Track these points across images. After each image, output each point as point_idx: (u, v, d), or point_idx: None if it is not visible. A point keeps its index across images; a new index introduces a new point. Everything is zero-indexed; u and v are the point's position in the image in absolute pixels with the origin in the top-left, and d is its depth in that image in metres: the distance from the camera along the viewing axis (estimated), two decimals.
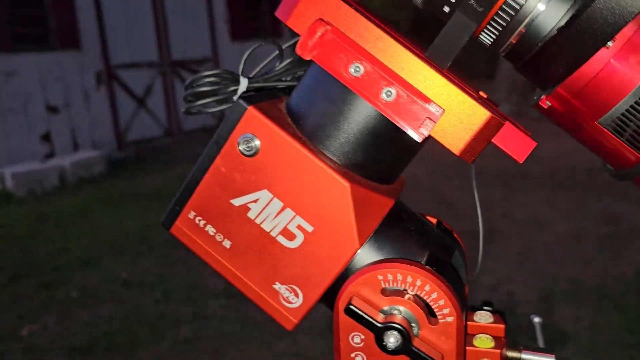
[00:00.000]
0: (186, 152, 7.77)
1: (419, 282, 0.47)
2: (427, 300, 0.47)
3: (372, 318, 0.46)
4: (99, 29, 7.01)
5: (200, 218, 0.51)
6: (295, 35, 0.55)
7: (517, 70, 0.47)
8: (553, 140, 3.92)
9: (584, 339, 2.73)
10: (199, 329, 2.98)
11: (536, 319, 0.60)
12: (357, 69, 0.44)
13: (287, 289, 0.50)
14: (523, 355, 0.53)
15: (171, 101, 8.27)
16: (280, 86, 0.60)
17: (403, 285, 0.47)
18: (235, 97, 0.57)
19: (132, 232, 4.53)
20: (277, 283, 0.50)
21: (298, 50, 0.45)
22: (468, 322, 0.55)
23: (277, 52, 0.61)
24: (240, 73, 0.59)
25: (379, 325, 0.46)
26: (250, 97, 0.50)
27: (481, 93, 0.53)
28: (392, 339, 0.46)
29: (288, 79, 0.61)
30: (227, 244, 0.51)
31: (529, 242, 3.96)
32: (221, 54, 8.79)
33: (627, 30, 0.40)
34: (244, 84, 0.57)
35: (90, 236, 4.51)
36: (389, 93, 0.44)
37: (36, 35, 6.55)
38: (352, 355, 0.49)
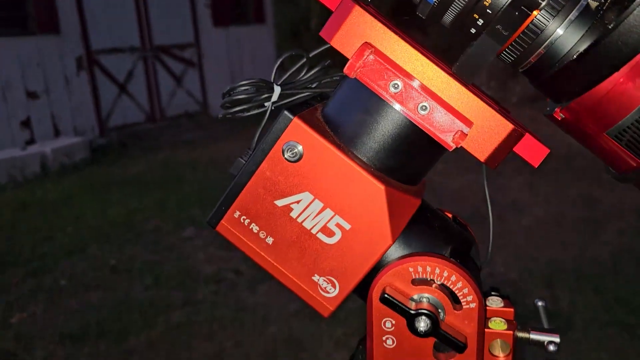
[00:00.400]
0: (169, 137, 7.72)
1: (445, 273, 0.53)
2: (452, 289, 0.53)
3: (405, 305, 0.52)
4: (78, 13, 6.88)
5: (245, 217, 0.56)
6: (321, 42, 0.60)
7: (533, 85, 0.53)
8: (532, 126, 4.00)
9: (563, 318, 2.85)
10: (191, 314, 3.02)
11: (540, 303, 0.66)
12: (396, 86, 0.50)
13: (325, 280, 0.55)
14: (532, 335, 0.59)
15: (153, 87, 8.19)
16: (308, 93, 0.65)
17: (431, 276, 0.53)
18: (267, 104, 0.62)
19: (117, 219, 4.52)
20: (316, 275, 0.55)
21: (346, 71, 0.50)
22: None
23: (303, 59, 0.66)
24: (272, 80, 0.63)
25: (412, 311, 0.52)
26: (292, 107, 0.55)
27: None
28: (422, 324, 0.52)
29: (313, 85, 0.66)
30: (269, 240, 0.56)
31: (510, 226, 4.08)
32: (203, 40, 8.72)
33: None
34: (277, 91, 0.62)
35: (74, 224, 4.49)
36: (424, 107, 0.50)
37: (14, 19, 6.41)
38: (384, 338, 0.55)
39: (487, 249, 0.67)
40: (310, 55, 0.67)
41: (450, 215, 0.65)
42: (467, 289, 0.52)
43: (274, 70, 0.64)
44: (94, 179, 5.75)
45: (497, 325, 0.58)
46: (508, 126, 0.50)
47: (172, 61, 8.41)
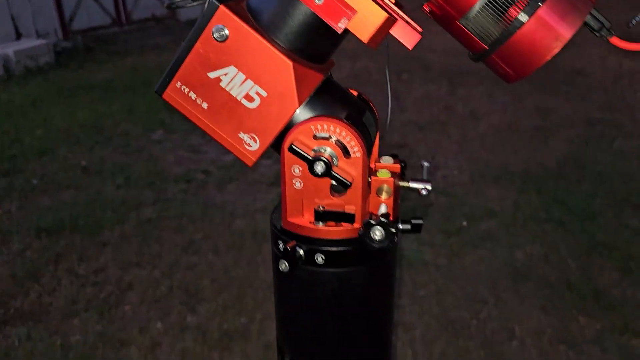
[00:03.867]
0: (136, 42, 7.55)
1: (338, 130, 0.69)
2: (345, 143, 0.70)
3: (307, 154, 0.68)
4: None
5: (184, 87, 0.70)
6: None
7: None
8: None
9: (506, 215, 3.12)
10: (161, 210, 3.20)
11: (425, 164, 0.83)
12: None
13: (248, 137, 0.71)
14: (410, 184, 0.77)
15: None
16: None
17: (328, 133, 0.69)
18: None
19: (86, 123, 4.57)
20: (241, 132, 0.71)
21: None
22: (376, 164, 0.79)
23: None
24: None
25: (311, 158, 0.68)
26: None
27: None
28: (319, 167, 0.68)
29: None
30: (205, 105, 0.71)
31: (467, 133, 4.29)
32: None
33: None
34: None
35: (43, 127, 4.52)
36: None
37: None
38: (293, 181, 0.72)
39: (387, 119, 0.83)
40: None
41: (355, 93, 0.81)
42: (354, 142, 0.69)
43: None
44: (61, 83, 5.70)
45: (383, 174, 0.75)
46: (383, 14, 0.64)
47: None
